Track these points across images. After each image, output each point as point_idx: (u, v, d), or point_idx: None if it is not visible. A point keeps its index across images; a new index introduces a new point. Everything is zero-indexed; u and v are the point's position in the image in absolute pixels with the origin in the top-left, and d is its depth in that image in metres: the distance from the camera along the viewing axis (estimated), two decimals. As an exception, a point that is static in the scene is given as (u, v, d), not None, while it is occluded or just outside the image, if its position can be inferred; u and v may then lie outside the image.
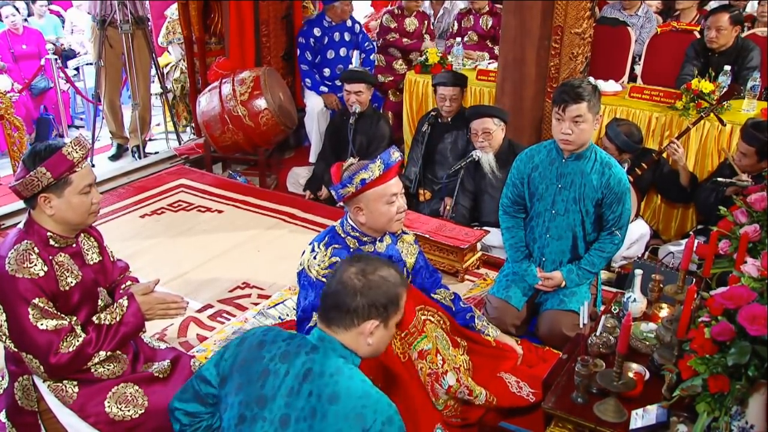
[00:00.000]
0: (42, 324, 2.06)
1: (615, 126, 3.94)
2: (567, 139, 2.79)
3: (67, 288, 2.16)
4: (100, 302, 2.31)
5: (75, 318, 2.19)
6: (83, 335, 2.14)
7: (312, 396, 1.62)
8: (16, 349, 2.11)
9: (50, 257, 2.12)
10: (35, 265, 2.08)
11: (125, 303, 2.26)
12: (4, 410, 2.29)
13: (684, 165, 3.96)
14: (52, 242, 2.16)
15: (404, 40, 5.83)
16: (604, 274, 3.68)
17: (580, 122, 2.74)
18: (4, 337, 2.13)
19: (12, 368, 2.23)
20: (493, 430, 2.50)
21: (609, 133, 3.87)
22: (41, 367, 2.09)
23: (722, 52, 4.53)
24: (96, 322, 2.21)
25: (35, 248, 2.10)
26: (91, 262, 2.29)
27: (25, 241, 2.10)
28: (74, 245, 2.23)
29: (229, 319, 3.38)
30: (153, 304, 2.31)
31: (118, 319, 2.22)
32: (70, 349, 2.09)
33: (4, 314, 2.07)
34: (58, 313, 2.11)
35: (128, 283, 2.48)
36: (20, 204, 4.52)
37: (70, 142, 2.13)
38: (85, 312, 2.23)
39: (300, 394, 1.63)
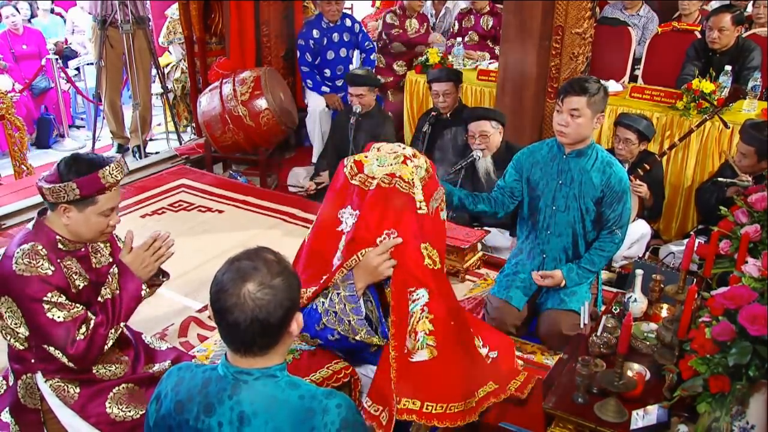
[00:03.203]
0: (58, 316, 2.07)
1: (629, 114, 3.93)
2: (562, 130, 2.80)
3: (76, 291, 2.17)
4: None
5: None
6: (94, 318, 2.15)
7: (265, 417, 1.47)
8: (44, 346, 2.11)
9: (58, 260, 2.13)
10: (42, 264, 2.08)
11: (116, 270, 2.24)
12: (7, 408, 2.29)
13: (648, 196, 3.92)
14: (60, 246, 2.15)
15: (409, 34, 5.83)
16: (604, 274, 3.68)
17: (576, 116, 2.75)
18: (9, 337, 2.14)
19: (15, 366, 2.24)
20: (493, 430, 2.50)
21: (625, 121, 3.82)
22: (64, 357, 2.11)
23: (723, 52, 4.53)
24: (100, 301, 2.21)
25: (42, 250, 2.10)
26: (98, 266, 2.27)
27: (32, 242, 2.10)
28: (82, 249, 2.23)
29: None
30: (142, 256, 2.27)
31: (117, 288, 2.21)
32: (86, 333, 2.10)
33: (18, 311, 2.08)
34: (72, 303, 2.12)
35: None
36: (20, 204, 4.55)
37: (111, 166, 2.12)
38: (94, 305, 2.23)
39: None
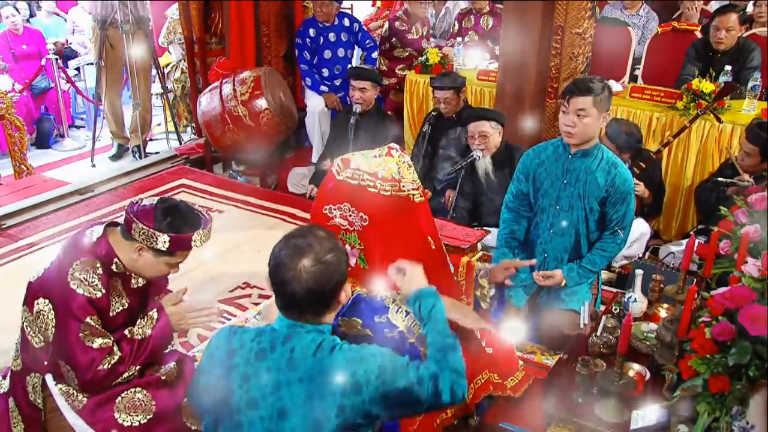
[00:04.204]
0: (89, 341, 2.08)
1: (615, 125, 3.94)
2: (569, 131, 2.80)
3: (113, 314, 2.18)
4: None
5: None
6: (119, 354, 2.15)
7: (303, 381, 1.62)
8: (59, 360, 2.12)
9: (108, 280, 2.14)
10: (96, 284, 2.09)
11: (155, 315, 2.25)
12: (11, 398, 2.29)
13: (648, 195, 3.91)
14: (114, 267, 2.16)
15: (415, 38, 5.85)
16: (604, 274, 3.68)
17: (583, 116, 2.75)
18: (30, 330, 2.14)
19: (26, 359, 2.23)
20: (494, 430, 2.50)
21: (609, 132, 3.86)
22: (76, 380, 2.11)
23: (723, 52, 4.52)
24: (128, 336, 2.20)
25: (99, 269, 2.10)
26: (135, 286, 2.27)
27: (92, 258, 2.11)
28: (128, 272, 2.23)
29: (229, 319, 3.38)
30: (183, 314, 2.28)
31: (148, 332, 2.22)
32: (106, 367, 2.11)
33: (54, 319, 2.08)
34: (105, 331, 2.13)
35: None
36: (20, 204, 4.55)
37: (203, 231, 2.14)
38: (122, 333, 2.24)
39: (291, 384, 1.63)
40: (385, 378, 1.61)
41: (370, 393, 1.60)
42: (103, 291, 2.10)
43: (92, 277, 2.08)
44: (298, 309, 1.68)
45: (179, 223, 2.11)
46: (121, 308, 2.20)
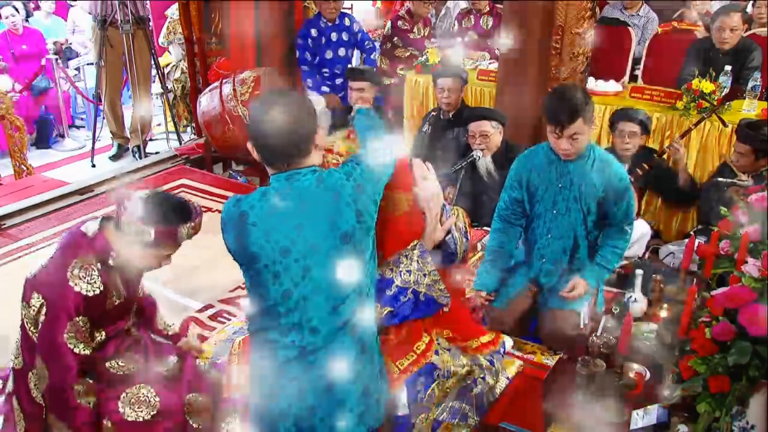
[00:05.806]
0: (71, 344, 2.09)
1: (624, 109, 3.91)
2: (567, 153, 2.79)
3: (110, 307, 2.19)
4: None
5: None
6: (84, 386, 2.16)
7: (320, 211, 1.81)
8: (37, 355, 2.13)
9: (107, 275, 2.15)
10: (95, 282, 2.10)
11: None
12: (14, 396, 2.29)
13: (684, 166, 3.93)
14: (110, 261, 2.16)
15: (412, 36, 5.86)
16: (604, 274, 3.68)
17: (577, 137, 2.73)
18: (30, 326, 2.15)
19: (27, 357, 2.23)
20: (494, 430, 2.50)
21: (628, 114, 3.79)
22: (47, 379, 2.12)
23: (724, 53, 4.52)
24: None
25: (98, 265, 2.11)
26: (128, 277, 2.28)
27: (91, 254, 2.11)
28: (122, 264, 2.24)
29: (229, 319, 3.38)
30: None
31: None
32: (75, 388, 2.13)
33: (45, 316, 2.08)
34: (89, 339, 2.14)
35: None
36: (20, 204, 4.55)
37: (189, 226, 2.15)
38: (113, 328, 2.25)
39: (311, 219, 1.81)
40: (371, 167, 1.90)
41: (372, 187, 1.88)
42: (102, 288, 2.11)
43: (91, 274, 2.09)
44: (286, 156, 1.82)
45: (167, 216, 2.11)
46: (117, 301, 2.21)
